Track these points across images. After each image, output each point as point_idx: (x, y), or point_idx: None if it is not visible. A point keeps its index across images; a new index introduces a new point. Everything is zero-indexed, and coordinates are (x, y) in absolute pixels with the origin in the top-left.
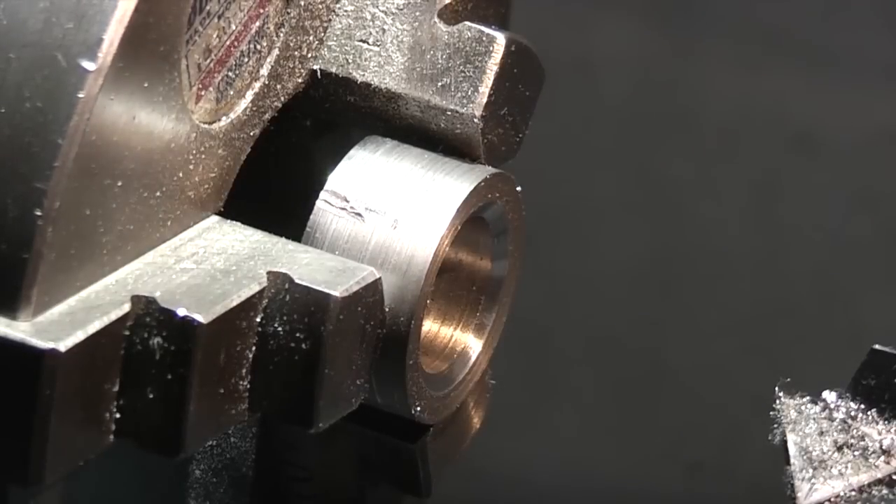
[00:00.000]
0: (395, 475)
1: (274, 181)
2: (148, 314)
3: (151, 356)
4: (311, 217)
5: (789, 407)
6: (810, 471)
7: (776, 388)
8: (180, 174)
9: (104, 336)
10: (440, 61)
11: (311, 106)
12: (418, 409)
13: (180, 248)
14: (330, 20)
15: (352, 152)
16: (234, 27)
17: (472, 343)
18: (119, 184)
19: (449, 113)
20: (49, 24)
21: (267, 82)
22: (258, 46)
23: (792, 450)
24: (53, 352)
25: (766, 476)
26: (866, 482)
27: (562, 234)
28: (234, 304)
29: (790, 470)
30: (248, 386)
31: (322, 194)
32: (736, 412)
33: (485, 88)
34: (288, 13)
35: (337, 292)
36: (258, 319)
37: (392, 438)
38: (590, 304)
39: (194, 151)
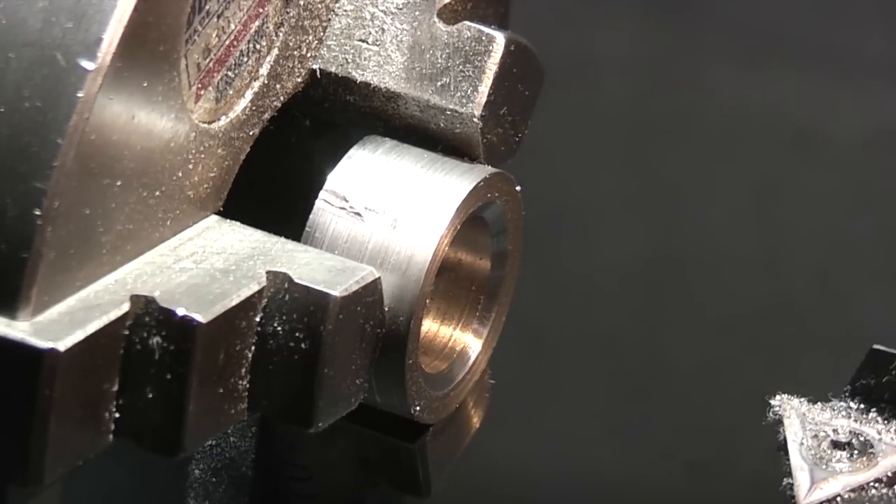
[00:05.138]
0: (394, 475)
1: (273, 181)
2: (147, 314)
3: (151, 356)
4: (311, 217)
5: (789, 407)
6: (810, 470)
7: (775, 389)
8: (179, 174)
9: (103, 336)
10: (439, 61)
11: (311, 105)
12: (418, 408)
13: (180, 247)
14: (329, 20)
15: (351, 152)
16: (233, 26)
17: (471, 343)
18: (118, 183)
19: (448, 112)
20: (48, 23)
21: (266, 82)
22: (257, 46)
23: (792, 449)
24: (53, 351)
25: (766, 476)
26: (865, 482)
27: (561, 234)
28: (234, 303)
29: (790, 470)
30: (248, 385)
31: (321, 194)
32: (736, 412)
33: (484, 88)
34: (287, 13)
35: (336, 292)
36: (257, 319)
37: (392, 438)
38: (590, 303)
39: (193, 151)
